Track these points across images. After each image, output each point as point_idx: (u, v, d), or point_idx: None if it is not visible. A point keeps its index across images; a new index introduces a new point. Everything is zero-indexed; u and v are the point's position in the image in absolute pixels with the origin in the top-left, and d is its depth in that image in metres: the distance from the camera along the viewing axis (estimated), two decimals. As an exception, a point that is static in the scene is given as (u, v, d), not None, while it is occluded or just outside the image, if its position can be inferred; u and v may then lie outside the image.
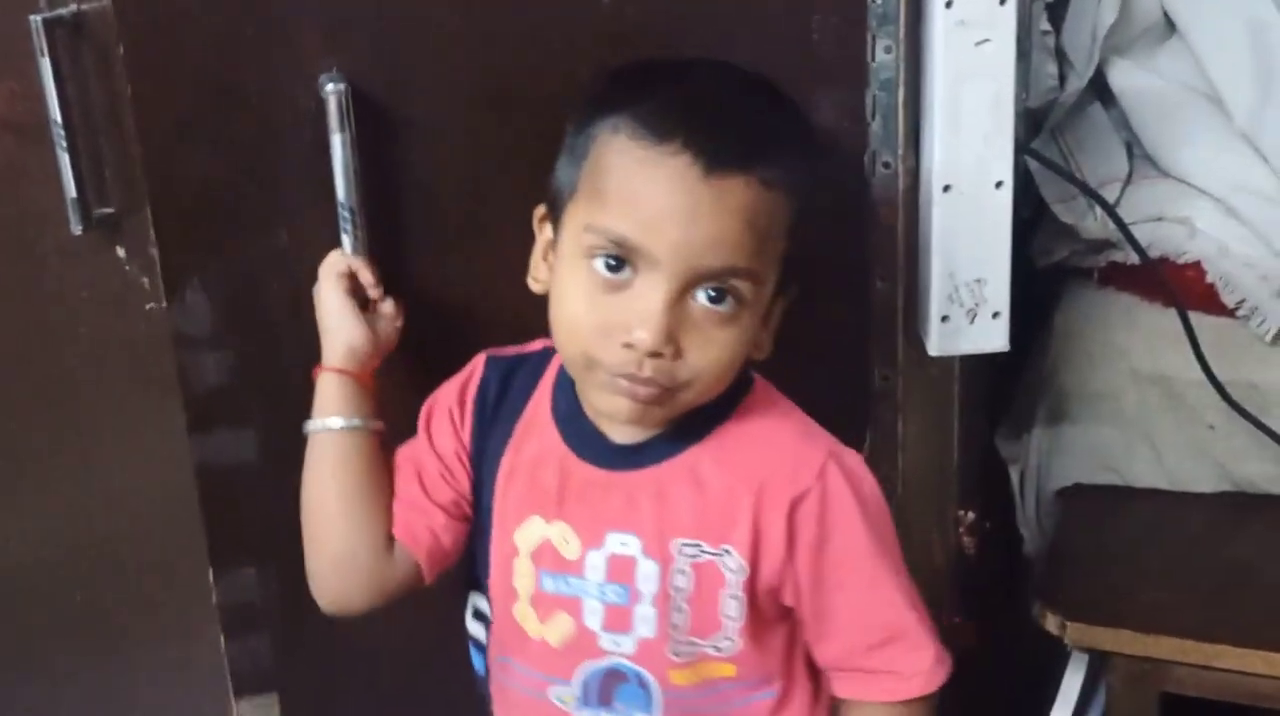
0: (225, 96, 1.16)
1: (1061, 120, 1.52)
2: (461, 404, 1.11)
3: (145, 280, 1.34)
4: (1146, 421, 1.48)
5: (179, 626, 1.50)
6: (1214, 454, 1.46)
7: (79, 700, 1.58)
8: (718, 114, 0.96)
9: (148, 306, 1.35)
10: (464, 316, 1.20)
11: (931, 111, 1.14)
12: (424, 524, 1.09)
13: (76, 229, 1.31)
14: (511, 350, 1.13)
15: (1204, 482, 1.48)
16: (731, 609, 1.02)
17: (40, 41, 1.26)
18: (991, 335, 1.20)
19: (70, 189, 1.30)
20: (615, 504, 1.03)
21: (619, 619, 1.03)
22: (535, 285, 1.05)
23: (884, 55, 1.14)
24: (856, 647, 1.05)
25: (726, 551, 1.01)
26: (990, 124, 1.13)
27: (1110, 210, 1.39)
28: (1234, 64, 1.45)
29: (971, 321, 1.19)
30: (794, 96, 1.15)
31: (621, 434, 1.04)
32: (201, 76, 1.16)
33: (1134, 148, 1.54)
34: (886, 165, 1.17)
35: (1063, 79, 1.50)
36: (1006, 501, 1.59)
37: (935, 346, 1.20)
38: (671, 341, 0.95)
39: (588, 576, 1.03)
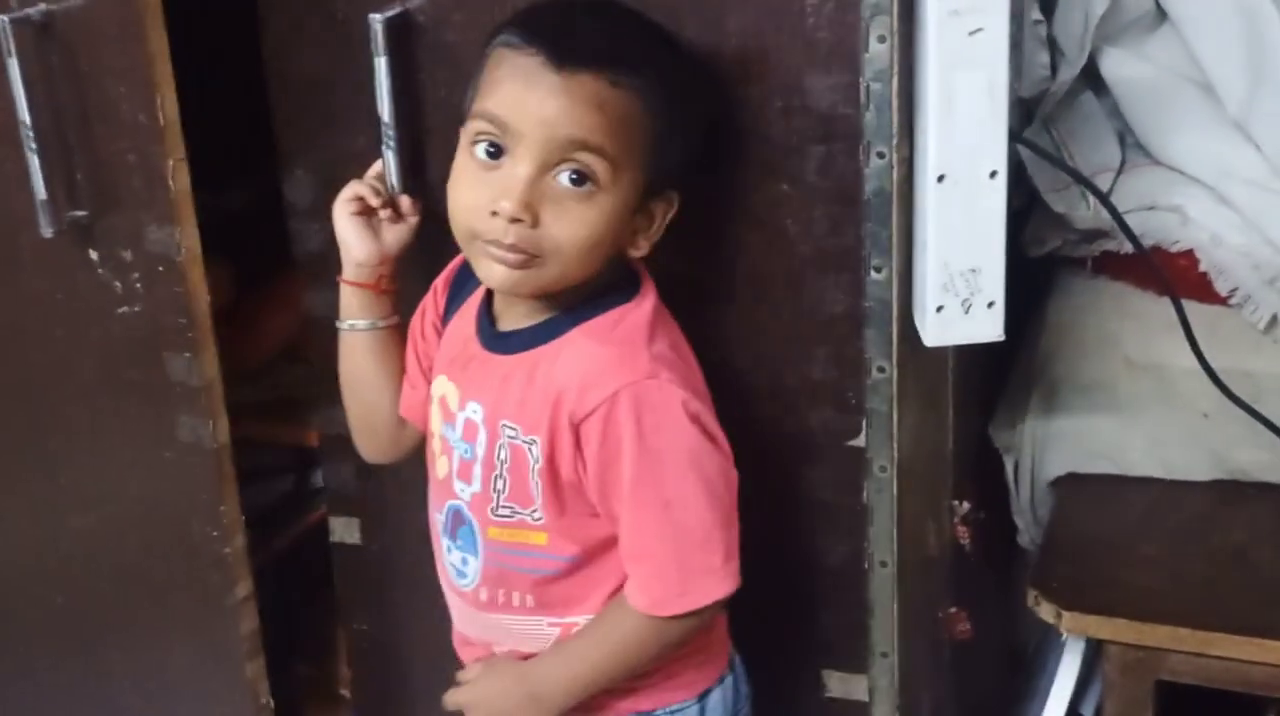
0: (325, 12, 1.30)
1: (1053, 110, 1.52)
2: (447, 278, 1.29)
3: (118, 283, 1.34)
4: (1140, 410, 1.48)
5: (155, 628, 1.50)
6: (1208, 442, 1.47)
7: (57, 702, 1.58)
8: (571, 27, 1.13)
9: (120, 310, 1.35)
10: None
11: (925, 101, 1.13)
12: (417, 399, 1.29)
13: (47, 232, 1.31)
14: None
15: (1198, 471, 1.48)
16: (534, 489, 1.17)
17: (8, 42, 1.25)
18: (986, 325, 1.20)
19: (40, 191, 1.29)
20: (478, 377, 1.20)
21: (464, 471, 1.21)
22: None
23: (877, 45, 1.13)
24: (623, 550, 1.18)
25: (533, 441, 1.16)
26: (984, 113, 1.13)
27: (1104, 199, 1.39)
28: (1225, 51, 1.45)
29: (966, 311, 1.19)
30: (788, 85, 1.17)
31: (502, 322, 1.20)
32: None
33: (1126, 136, 1.54)
34: (881, 155, 1.16)
35: (1054, 68, 1.50)
36: (1001, 491, 1.59)
37: (930, 337, 1.20)
38: (530, 210, 1.10)
39: (455, 430, 1.21)
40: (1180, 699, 1.35)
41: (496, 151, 1.12)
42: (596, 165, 1.10)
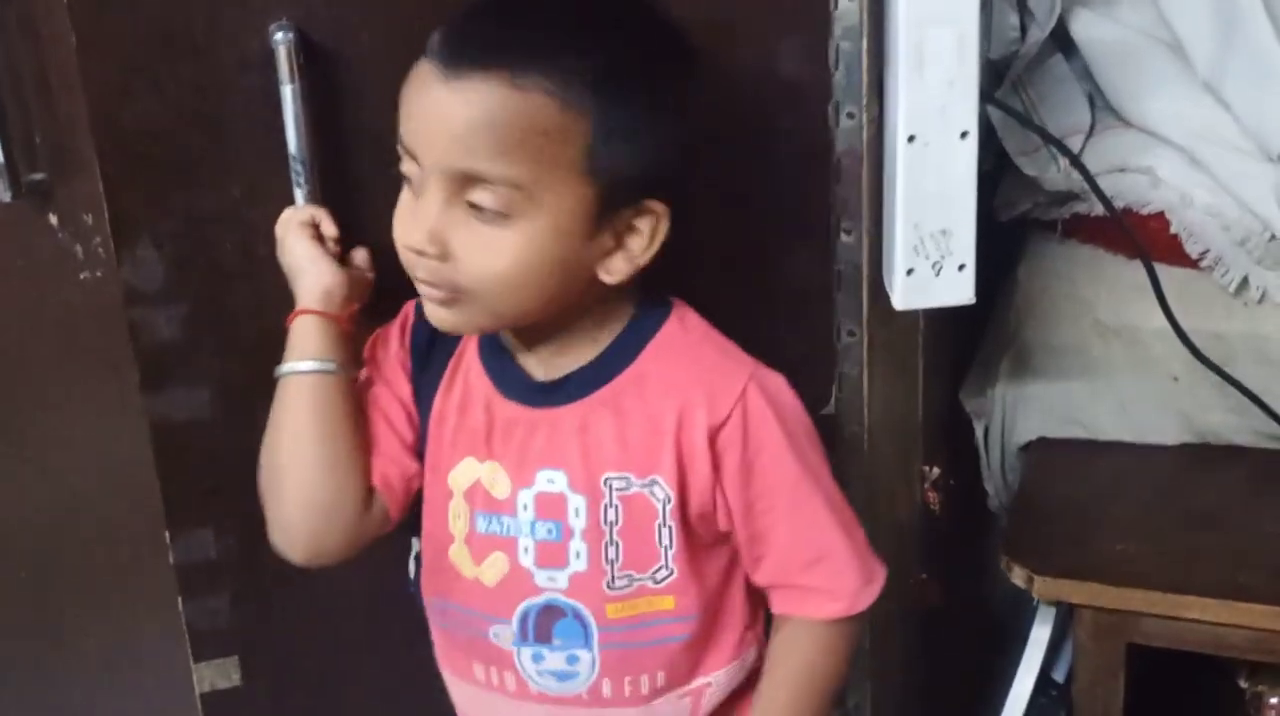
0: (173, 44, 1.12)
1: (1023, 72, 1.50)
2: (404, 348, 1.12)
3: (79, 248, 1.31)
4: (1111, 373, 1.48)
5: (123, 602, 1.47)
6: (1179, 405, 1.46)
7: (23, 674, 1.56)
8: (474, 22, 0.97)
9: (81, 276, 1.32)
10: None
11: (895, 60, 1.12)
12: (398, 472, 1.10)
13: (5, 196, 1.28)
14: None
15: (1168, 434, 1.48)
16: (665, 538, 1.04)
17: (-38, 5, 1.22)
18: (957, 288, 1.19)
19: (-2, 154, 1.27)
20: (541, 441, 1.04)
21: (552, 555, 1.04)
22: None
23: (847, 3, 1.12)
24: (787, 566, 1.06)
25: (655, 482, 1.03)
26: (954, 72, 1.12)
27: (1075, 159, 1.38)
28: (1195, 12, 1.44)
29: (937, 274, 1.18)
30: (756, 45, 1.15)
31: (542, 371, 1.06)
32: (148, 23, 1.12)
33: (1096, 98, 1.53)
34: (850, 115, 1.15)
35: (1024, 30, 1.48)
36: (971, 457, 1.59)
37: (901, 300, 1.19)
38: (436, 242, 0.97)
39: (519, 515, 1.04)
40: (1152, 662, 1.35)
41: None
42: (493, 199, 0.96)
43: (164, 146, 1.15)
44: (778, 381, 1.07)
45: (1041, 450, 1.51)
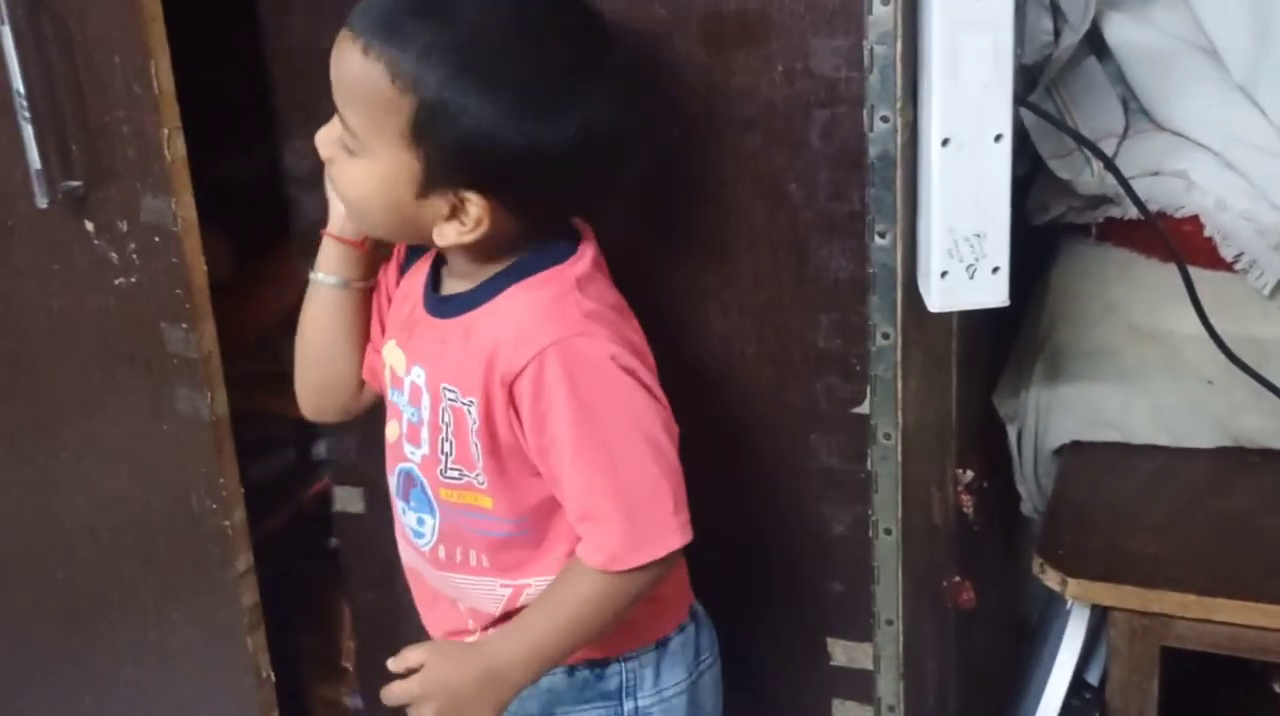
0: None
1: (1056, 76, 1.50)
2: (404, 249, 1.28)
3: (114, 255, 1.33)
4: (1145, 377, 1.48)
5: (155, 602, 1.50)
6: (1213, 409, 1.46)
7: (58, 676, 1.58)
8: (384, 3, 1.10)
9: (117, 281, 1.34)
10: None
11: (930, 64, 1.12)
12: (378, 363, 1.27)
13: (42, 202, 1.30)
14: None
15: (1203, 438, 1.48)
16: (475, 451, 1.17)
17: (1, 10, 1.24)
18: (991, 290, 1.19)
19: (35, 161, 1.28)
20: (423, 342, 1.20)
21: (413, 434, 1.21)
22: None
23: (881, 7, 1.12)
24: (570, 510, 1.16)
25: (471, 402, 1.15)
26: (989, 76, 1.12)
27: (1109, 163, 1.38)
28: (1230, 16, 1.44)
29: (971, 277, 1.18)
30: (790, 48, 1.16)
31: (445, 287, 1.21)
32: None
33: (1129, 102, 1.53)
34: (885, 119, 1.15)
35: (1057, 34, 1.48)
36: (1004, 460, 1.59)
37: (935, 302, 1.19)
38: (324, 151, 1.15)
39: (405, 393, 1.21)
40: (1186, 665, 1.35)
41: None
42: (346, 136, 1.11)
43: (317, 62, 1.23)
44: (594, 352, 1.12)
45: (1075, 453, 1.51)
